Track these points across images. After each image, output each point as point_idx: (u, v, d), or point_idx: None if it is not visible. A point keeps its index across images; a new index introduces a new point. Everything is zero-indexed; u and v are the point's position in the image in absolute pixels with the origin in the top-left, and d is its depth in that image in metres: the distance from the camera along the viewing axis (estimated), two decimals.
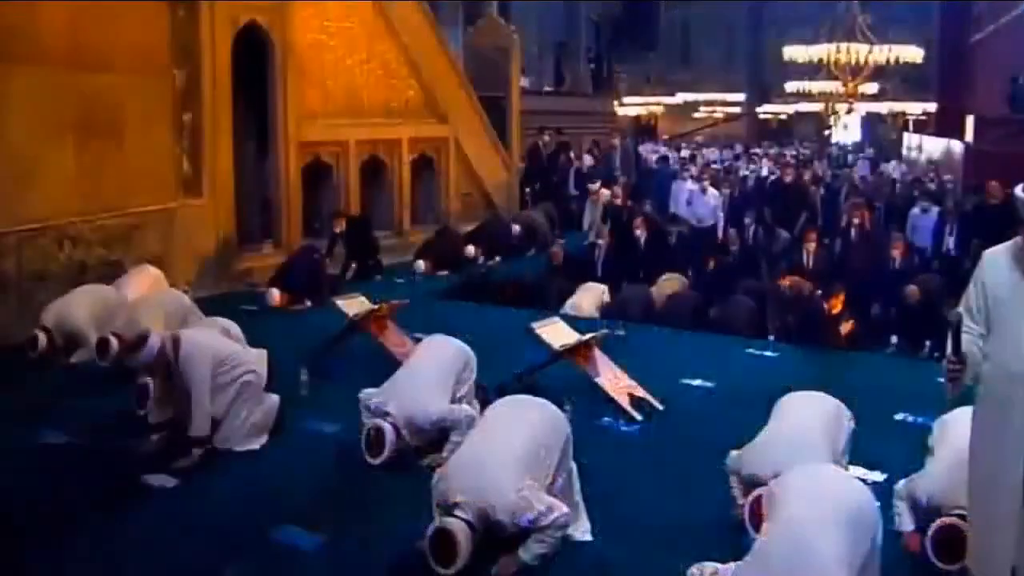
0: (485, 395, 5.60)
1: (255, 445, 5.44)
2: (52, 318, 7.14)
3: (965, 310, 3.26)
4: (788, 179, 12.85)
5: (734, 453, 4.54)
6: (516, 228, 12.79)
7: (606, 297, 9.80)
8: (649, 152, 24.21)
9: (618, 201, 12.62)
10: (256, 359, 6.41)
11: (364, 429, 5.16)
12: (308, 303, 9.15)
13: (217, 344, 5.52)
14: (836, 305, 8.11)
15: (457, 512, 3.88)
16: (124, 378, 6.62)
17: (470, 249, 11.85)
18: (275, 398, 5.76)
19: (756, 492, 4.19)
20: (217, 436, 5.29)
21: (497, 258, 12.10)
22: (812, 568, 3.01)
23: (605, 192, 13.23)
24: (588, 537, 4.27)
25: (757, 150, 28.33)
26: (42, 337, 7.05)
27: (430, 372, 5.31)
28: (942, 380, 3.24)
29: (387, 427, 5.07)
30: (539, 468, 4.05)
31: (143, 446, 5.32)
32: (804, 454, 4.07)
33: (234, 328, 6.32)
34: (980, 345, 3.20)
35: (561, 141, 18.03)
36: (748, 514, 4.24)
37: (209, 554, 4.21)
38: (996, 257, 3.25)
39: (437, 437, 5.18)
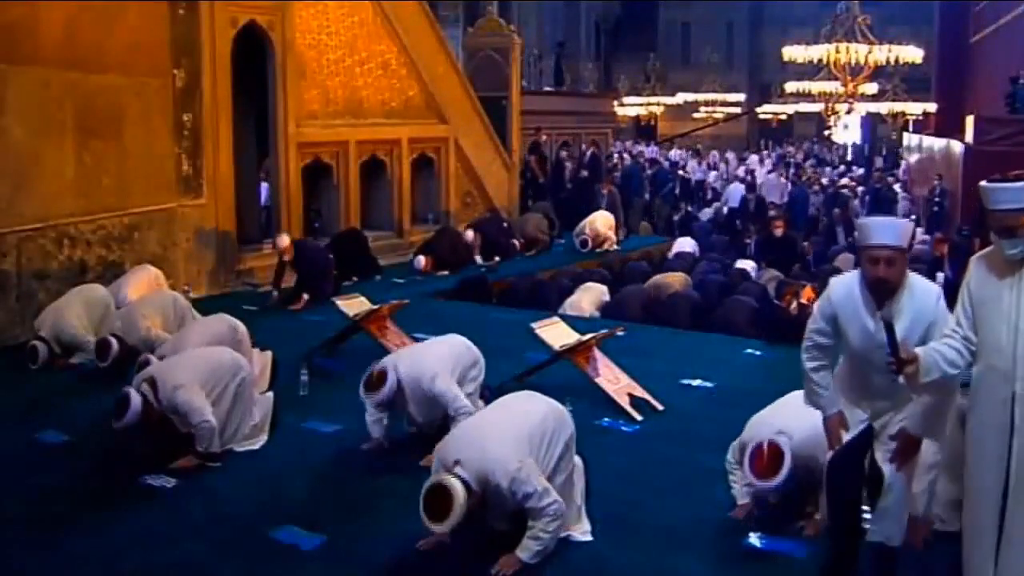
0: (489, 396, 5.60)
1: (255, 445, 5.45)
2: (48, 327, 7.11)
3: (955, 315, 3.30)
4: (778, 233, 12.58)
5: (735, 443, 4.54)
6: (516, 244, 12.79)
7: (606, 297, 9.80)
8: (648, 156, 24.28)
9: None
10: (258, 358, 6.42)
11: (368, 370, 5.23)
12: (305, 297, 9.12)
13: (196, 363, 5.34)
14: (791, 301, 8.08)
15: (456, 470, 3.87)
16: (124, 378, 6.63)
17: (469, 234, 11.90)
18: (269, 395, 5.76)
19: (755, 443, 4.22)
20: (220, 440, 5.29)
21: (496, 258, 12.10)
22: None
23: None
24: (588, 537, 4.27)
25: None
26: (41, 348, 7.03)
27: (441, 351, 5.40)
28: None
29: (391, 371, 5.13)
30: (541, 452, 4.05)
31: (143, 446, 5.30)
32: (808, 418, 4.00)
33: (241, 327, 6.31)
34: (960, 348, 3.24)
35: (563, 141, 18.15)
36: (748, 462, 4.25)
37: (209, 554, 4.21)
38: (981, 260, 3.32)
39: (439, 423, 5.19)
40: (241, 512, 4.64)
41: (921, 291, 3.45)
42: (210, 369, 5.30)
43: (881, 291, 3.40)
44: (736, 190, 18.97)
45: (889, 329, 3.20)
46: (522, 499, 3.88)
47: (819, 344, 3.64)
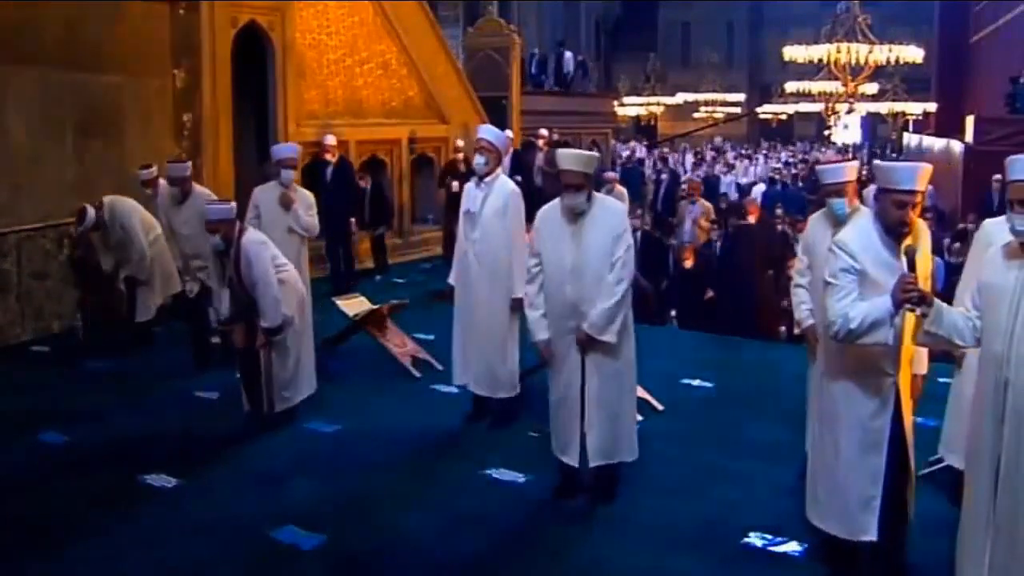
0: None
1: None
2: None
3: (970, 298, 3.33)
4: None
5: (800, 253, 4.85)
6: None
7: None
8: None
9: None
10: None
11: None
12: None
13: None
14: None
15: None
16: (124, 378, 6.63)
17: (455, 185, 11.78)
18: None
19: None
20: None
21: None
22: None
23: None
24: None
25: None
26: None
27: None
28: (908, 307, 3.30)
29: None
30: None
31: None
32: None
33: None
34: (971, 327, 3.26)
35: (563, 140, 18.10)
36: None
37: (209, 554, 4.21)
38: (997, 246, 3.35)
39: None
40: (241, 512, 4.63)
41: (925, 231, 3.74)
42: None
43: (901, 233, 3.46)
44: (758, 192, 19.05)
45: (911, 261, 3.29)
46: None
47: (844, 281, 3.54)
